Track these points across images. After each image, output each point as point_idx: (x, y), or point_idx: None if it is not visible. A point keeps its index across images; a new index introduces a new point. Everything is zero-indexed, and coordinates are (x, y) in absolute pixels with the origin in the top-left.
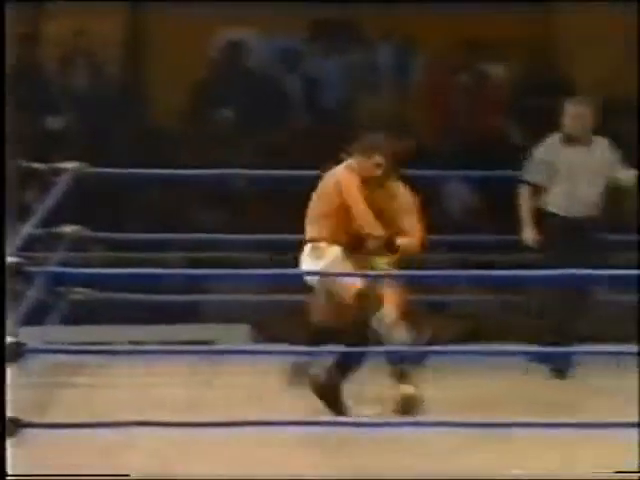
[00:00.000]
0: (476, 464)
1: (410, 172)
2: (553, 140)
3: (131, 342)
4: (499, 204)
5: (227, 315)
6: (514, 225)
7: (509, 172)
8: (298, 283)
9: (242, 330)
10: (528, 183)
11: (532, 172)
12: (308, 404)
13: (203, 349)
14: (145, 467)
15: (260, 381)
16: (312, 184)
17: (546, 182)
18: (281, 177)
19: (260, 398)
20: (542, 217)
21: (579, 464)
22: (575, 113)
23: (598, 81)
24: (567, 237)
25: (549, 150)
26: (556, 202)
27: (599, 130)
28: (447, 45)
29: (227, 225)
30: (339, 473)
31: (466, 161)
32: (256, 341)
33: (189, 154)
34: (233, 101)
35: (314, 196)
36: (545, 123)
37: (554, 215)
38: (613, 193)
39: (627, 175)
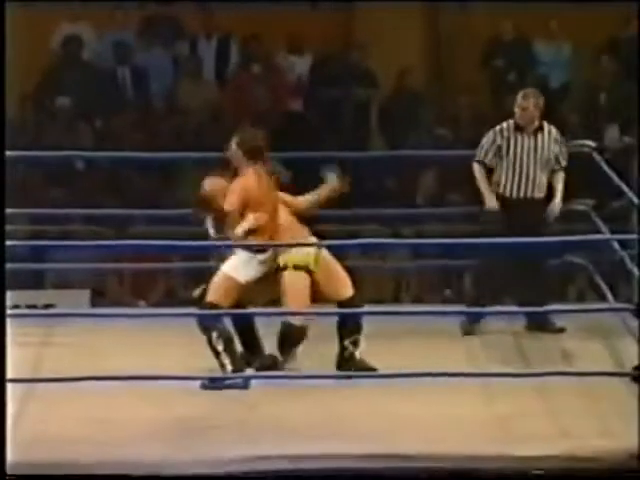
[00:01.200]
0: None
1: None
2: (506, 126)
3: None
4: (307, 183)
5: (68, 282)
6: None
7: (313, 153)
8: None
9: (83, 295)
10: (480, 162)
11: (483, 151)
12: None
13: (43, 312)
14: None
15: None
16: (145, 165)
17: (495, 164)
18: (116, 158)
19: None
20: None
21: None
22: (523, 104)
23: (393, 73)
24: (510, 217)
25: (500, 135)
26: (503, 183)
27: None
28: (258, 39)
29: (67, 201)
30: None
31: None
32: (96, 305)
33: (30, 138)
34: (71, 90)
35: None
36: (343, 110)
37: (500, 196)
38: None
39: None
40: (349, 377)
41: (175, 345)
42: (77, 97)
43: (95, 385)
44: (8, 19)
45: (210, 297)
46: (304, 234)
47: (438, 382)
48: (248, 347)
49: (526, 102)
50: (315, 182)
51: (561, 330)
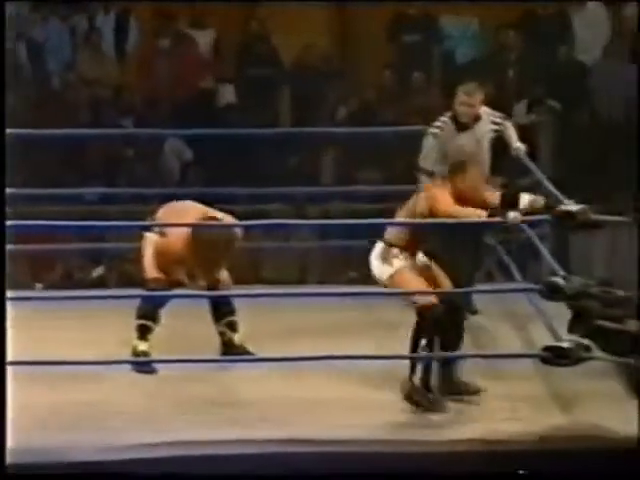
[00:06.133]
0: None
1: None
2: (444, 125)
3: None
4: (211, 158)
5: None
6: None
7: (216, 131)
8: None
9: None
10: (426, 172)
11: (429, 160)
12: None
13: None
14: None
15: None
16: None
17: (441, 169)
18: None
19: None
20: None
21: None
22: (464, 101)
23: (297, 49)
24: None
25: (442, 137)
26: None
27: None
28: (158, 13)
29: None
30: None
31: (182, 119)
32: None
33: None
34: None
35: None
36: (250, 87)
37: None
38: None
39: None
40: (232, 361)
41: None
42: None
43: None
44: None
45: None
46: None
47: (342, 365)
48: None
49: (472, 99)
50: (216, 161)
51: (475, 312)
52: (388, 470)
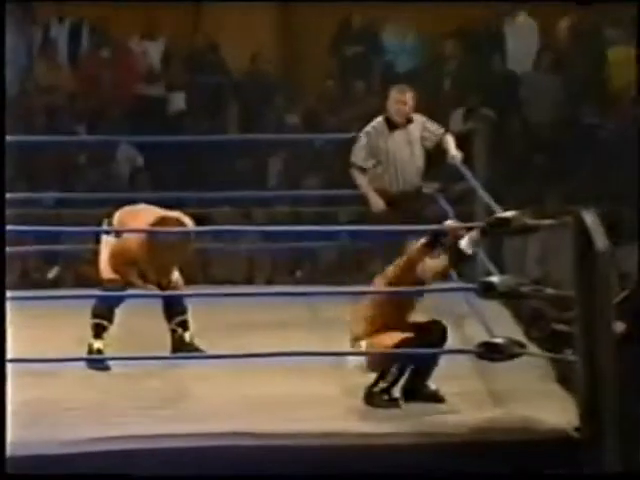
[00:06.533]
0: None
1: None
2: (377, 124)
3: None
4: (159, 167)
5: None
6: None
7: (166, 137)
8: None
9: None
10: (357, 167)
11: (359, 156)
12: None
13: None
14: None
15: None
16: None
17: (372, 164)
18: None
19: None
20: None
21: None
22: (397, 99)
23: (245, 59)
24: (398, 209)
25: (374, 135)
26: (386, 180)
27: None
28: (106, 22)
29: None
30: None
31: (134, 126)
32: None
33: None
34: None
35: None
36: (199, 95)
37: (385, 191)
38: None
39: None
40: (185, 358)
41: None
42: None
43: None
44: None
45: None
46: None
47: (291, 362)
48: None
49: (404, 96)
50: (166, 166)
51: None
52: (332, 462)
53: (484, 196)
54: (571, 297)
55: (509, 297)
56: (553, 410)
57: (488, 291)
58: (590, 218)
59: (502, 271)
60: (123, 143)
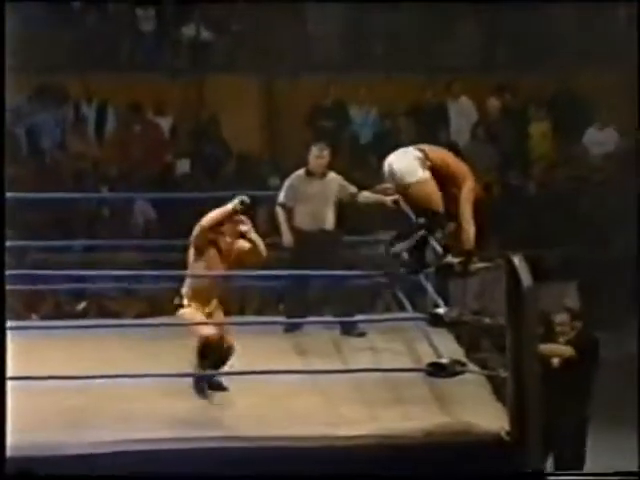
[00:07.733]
0: None
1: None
2: (300, 173)
3: None
4: (175, 218)
5: None
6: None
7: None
8: None
9: None
10: (280, 204)
11: (281, 195)
12: None
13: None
14: None
15: None
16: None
17: (292, 204)
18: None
19: None
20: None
21: None
22: (317, 154)
23: (235, 133)
24: (305, 245)
25: (295, 181)
26: (299, 220)
27: None
28: (129, 103)
29: None
30: None
31: (151, 186)
32: None
33: None
34: None
35: None
36: (204, 161)
37: (297, 229)
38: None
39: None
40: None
41: None
42: None
43: None
44: None
45: None
46: None
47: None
48: None
49: (323, 153)
50: (174, 218)
51: (362, 334)
52: (285, 466)
53: (435, 245)
54: (503, 325)
55: (453, 325)
56: (489, 417)
57: (437, 321)
58: (518, 261)
59: (447, 302)
60: (139, 199)
